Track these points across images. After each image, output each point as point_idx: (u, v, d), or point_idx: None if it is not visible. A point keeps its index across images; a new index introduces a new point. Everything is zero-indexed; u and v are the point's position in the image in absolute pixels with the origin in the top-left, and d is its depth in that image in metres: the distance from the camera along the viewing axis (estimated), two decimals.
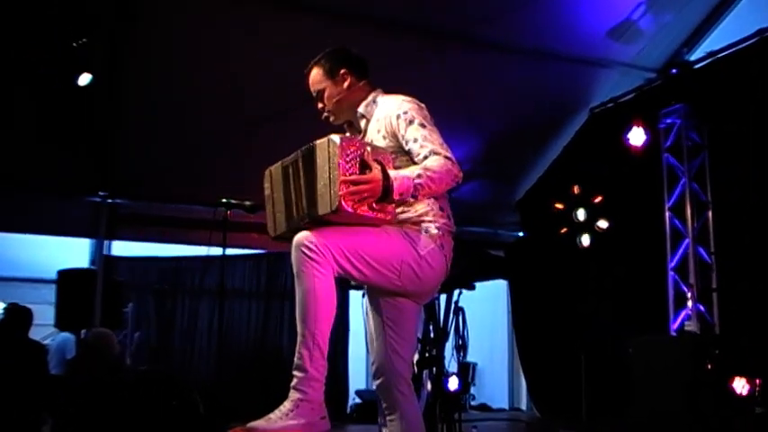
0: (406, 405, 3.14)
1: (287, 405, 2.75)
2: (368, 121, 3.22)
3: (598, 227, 8.92)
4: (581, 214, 9.01)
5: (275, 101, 8.09)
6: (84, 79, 7.21)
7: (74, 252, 9.90)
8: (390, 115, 3.10)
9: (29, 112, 7.68)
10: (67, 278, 8.42)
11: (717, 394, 6.66)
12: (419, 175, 2.88)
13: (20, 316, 7.00)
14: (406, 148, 3.05)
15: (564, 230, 9.20)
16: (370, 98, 3.24)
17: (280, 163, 3.06)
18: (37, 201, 8.94)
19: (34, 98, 7.58)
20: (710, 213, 8.33)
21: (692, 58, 9.08)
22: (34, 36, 7.04)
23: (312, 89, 3.30)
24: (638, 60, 9.39)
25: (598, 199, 8.93)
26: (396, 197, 2.84)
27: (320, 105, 3.30)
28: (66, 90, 7.32)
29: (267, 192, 3.13)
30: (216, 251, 5.97)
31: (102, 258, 9.51)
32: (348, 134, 3.32)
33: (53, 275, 8.56)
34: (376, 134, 3.15)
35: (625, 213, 8.90)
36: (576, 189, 9.11)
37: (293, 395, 2.77)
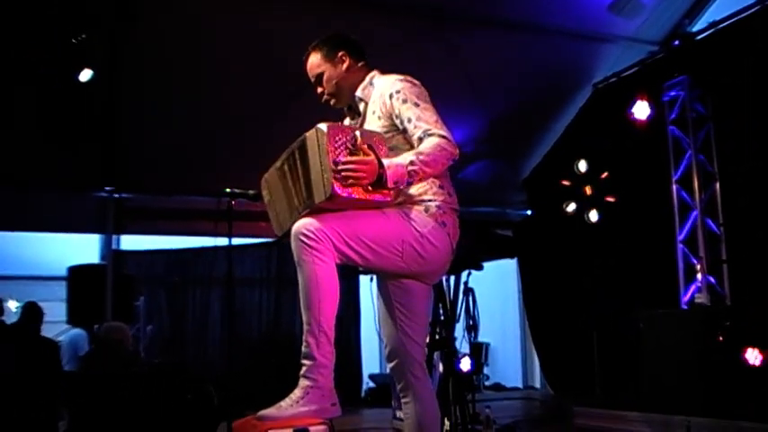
0: (419, 387, 3.13)
1: (297, 392, 2.76)
2: (366, 104, 3.20)
3: (605, 202, 8.91)
4: (588, 190, 8.99)
5: (277, 91, 8.08)
6: (85, 75, 7.21)
7: (83, 248, 9.93)
8: (384, 95, 3.08)
9: (32, 111, 7.70)
10: (78, 274, 8.47)
11: (729, 365, 6.66)
12: (412, 162, 2.85)
13: (34, 313, 7.06)
14: (401, 128, 3.04)
15: (571, 207, 9.19)
16: (366, 80, 3.23)
17: (273, 167, 3.08)
18: (44, 198, 8.98)
19: (37, 97, 7.60)
20: (718, 185, 8.29)
21: (694, 29, 9.01)
22: (36, 36, 7.04)
23: (311, 74, 3.28)
24: (639, 34, 9.34)
25: (604, 174, 8.91)
26: (390, 185, 2.83)
27: (320, 90, 3.28)
28: (69, 87, 7.34)
29: (267, 198, 3.16)
30: (224, 241, 5.98)
31: (111, 253, 9.56)
32: (347, 121, 3.33)
33: (63, 272, 8.61)
34: (372, 116, 3.14)
35: (632, 188, 8.89)
36: (582, 165, 9.09)
37: (303, 383, 2.78)
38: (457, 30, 8.65)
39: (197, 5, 7.61)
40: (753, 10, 7.81)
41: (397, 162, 2.85)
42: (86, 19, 7.04)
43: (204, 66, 8.04)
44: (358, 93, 3.22)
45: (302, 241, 2.78)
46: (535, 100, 9.74)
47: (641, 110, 8.44)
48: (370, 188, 2.81)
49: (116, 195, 9.50)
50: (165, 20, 7.60)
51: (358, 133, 2.85)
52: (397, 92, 3.04)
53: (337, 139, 2.78)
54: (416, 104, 3.02)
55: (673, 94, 8.61)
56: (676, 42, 8.84)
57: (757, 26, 7.67)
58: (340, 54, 3.23)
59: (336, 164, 2.74)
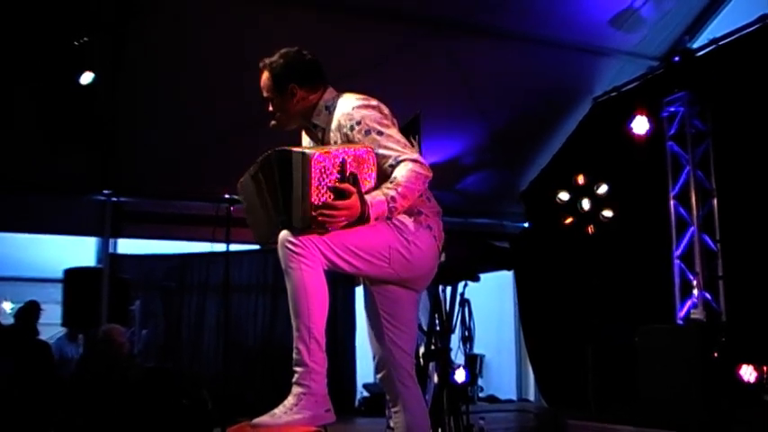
0: (409, 397, 3.12)
1: (290, 400, 2.75)
2: (324, 131, 3.12)
3: (603, 216, 8.90)
4: (586, 204, 8.98)
5: None
6: (87, 78, 7.21)
7: (80, 251, 9.91)
8: (344, 127, 3.00)
9: (32, 113, 7.70)
10: (74, 277, 8.44)
11: (724, 382, 6.66)
12: (393, 198, 2.81)
13: (30, 314, 7.05)
14: None
15: (569, 220, 9.19)
16: (321, 105, 3.13)
17: (247, 173, 3.00)
18: (42, 200, 8.96)
19: (38, 98, 7.60)
20: (715, 201, 8.31)
21: (695, 45, 9.06)
22: (37, 38, 7.04)
23: (262, 91, 3.20)
24: (640, 48, 9.39)
25: (603, 188, 8.91)
26: (371, 222, 2.81)
27: (270, 109, 3.19)
28: (70, 89, 7.33)
29: (244, 204, 3.09)
30: (221, 247, 5.98)
31: (107, 257, 9.54)
32: (305, 139, 3.28)
33: (60, 274, 8.58)
34: (334, 146, 3.02)
35: (630, 202, 8.88)
36: (580, 179, 9.09)
37: (296, 390, 2.77)
38: (458, 40, 8.66)
39: (198, 10, 7.61)
40: (753, 28, 7.85)
41: (379, 199, 2.80)
42: (88, 22, 7.04)
43: (205, 70, 8.04)
44: (315, 120, 3.14)
45: (288, 248, 2.77)
46: (535, 112, 9.76)
47: (640, 125, 8.46)
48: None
49: (114, 199, 9.49)
50: (167, 23, 7.62)
51: (347, 158, 2.80)
52: (358, 123, 2.96)
53: (323, 168, 2.72)
54: (380, 133, 2.95)
55: (672, 109, 8.64)
56: (676, 58, 8.85)
57: (757, 44, 7.70)
58: (290, 87, 3.11)
59: (316, 207, 2.70)
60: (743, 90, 7.76)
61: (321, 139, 3.14)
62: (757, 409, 6.52)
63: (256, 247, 10.47)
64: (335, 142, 3.03)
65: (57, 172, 8.58)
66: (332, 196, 2.73)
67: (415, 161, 2.90)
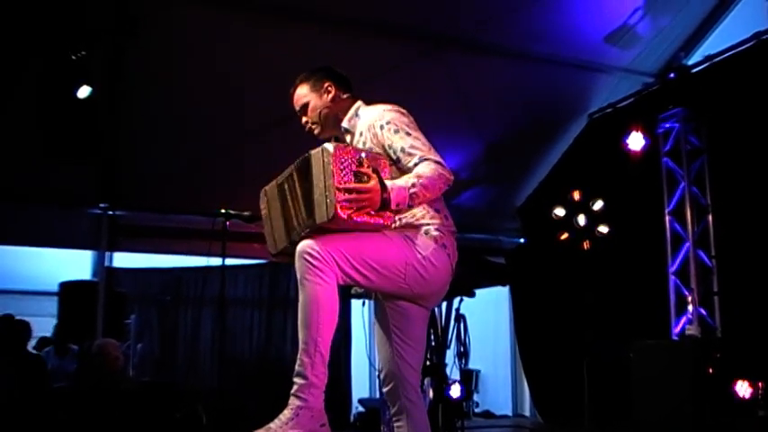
0: (413, 411, 3.18)
1: (287, 413, 2.76)
2: (353, 135, 3.25)
3: (598, 232, 8.92)
4: (581, 220, 9.00)
5: (274, 111, 8.10)
6: (84, 92, 7.22)
7: (75, 264, 9.89)
8: (374, 126, 3.13)
9: (29, 126, 7.69)
10: (69, 290, 8.44)
11: (719, 398, 6.67)
12: (413, 185, 2.91)
13: (16, 329, 7.02)
14: (394, 158, 3.07)
15: (564, 236, 9.20)
16: (352, 111, 3.28)
17: (274, 182, 3.11)
18: (38, 213, 8.93)
19: (34, 110, 7.60)
20: (710, 217, 8.33)
21: (690, 62, 9.09)
22: (35, 51, 7.06)
23: (297, 105, 3.36)
24: (635, 65, 9.41)
25: (598, 204, 8.93)
26: (393, 208, 2.88)
27: (304, 119, 3.35)
28: (67, 102, 7.34)
29: (264, 211, 3.18)
30: (217, 261, 5.99)
31: (103, 270, 9.51)
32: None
33: (55, 288, 8.58)
34: (362, 147, 3.16)
35: (625, 218, 8.90)
36: (576, 195, 9.10)
37: (293, 402, 2.78)
38: (455, 56, 8.70)
39: (197, 24, 7.64)
40: (747, 45, 7.89)
41: (400, 185, 2.90)
42: (86, 35, 7.06)
43: (202, 85, 8.06)
44: (344, 124, 3.27)
45: (306, 260, 2.81)
46: (531, 128, 9.79)
47: (636, 141, 8.49)
48: (372, 212, 2.85)
49: (110, 212, 9.48)
50: (165, 38, 7.62)
51: (363, 155, 2.88)
52: (388, 123, 3.10)
53: (343, 160, 2.81)
54: (408, 134, 3.08)
55: (667, 125, 8.67)
56: (672, 75, 8.90)
57: (752, 61, 7.74)
58: (326, 85, 3.30)
59: (341, 189, 2.77)
60: (738, 106, 7.80)
61: (350, 144, 3.22)
62: (752, 424, 6.52)
63: (252, 261, 10.61)
64: (364, 143, 3.15)
65: (53, 185, 8.56)
66: (352, 180, 2.81)
67: (438, 162, 3.02)
